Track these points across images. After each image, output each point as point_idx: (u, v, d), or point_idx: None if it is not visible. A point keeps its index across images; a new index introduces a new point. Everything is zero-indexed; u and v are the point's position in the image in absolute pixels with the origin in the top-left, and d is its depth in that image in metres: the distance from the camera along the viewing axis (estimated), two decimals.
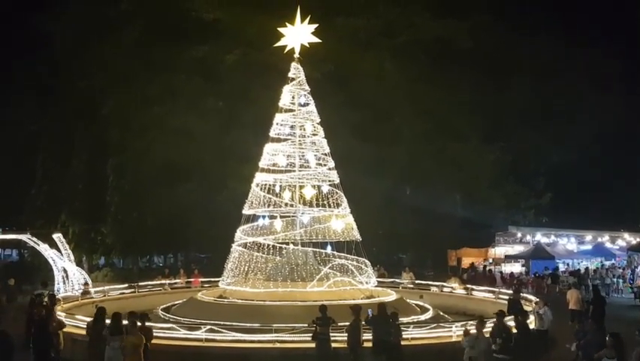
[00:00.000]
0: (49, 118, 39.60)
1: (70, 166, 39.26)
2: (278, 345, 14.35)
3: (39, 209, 39.98)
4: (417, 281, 26.87)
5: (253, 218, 21.48)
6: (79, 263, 32.87)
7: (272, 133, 21.90)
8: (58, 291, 24.96)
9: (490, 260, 39.83)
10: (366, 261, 21.04)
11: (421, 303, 21.70)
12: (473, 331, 13.04)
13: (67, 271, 29.16)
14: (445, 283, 25.98)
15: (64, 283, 28.68)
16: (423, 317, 18.81)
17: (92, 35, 37.18)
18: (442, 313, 20.22)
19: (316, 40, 22.43)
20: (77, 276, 29.11)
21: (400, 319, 14.53)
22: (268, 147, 21.74)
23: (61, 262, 29.67)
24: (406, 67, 38.01)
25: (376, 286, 21.21)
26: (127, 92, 36.70)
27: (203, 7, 36.39)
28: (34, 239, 30.96)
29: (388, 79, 38.33)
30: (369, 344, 13.49)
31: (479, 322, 12.99)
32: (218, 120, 36.24)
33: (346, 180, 22.50)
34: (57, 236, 31.02)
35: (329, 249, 21.14)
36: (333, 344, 13.60)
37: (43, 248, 30.22)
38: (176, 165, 35.59)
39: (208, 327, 14.84)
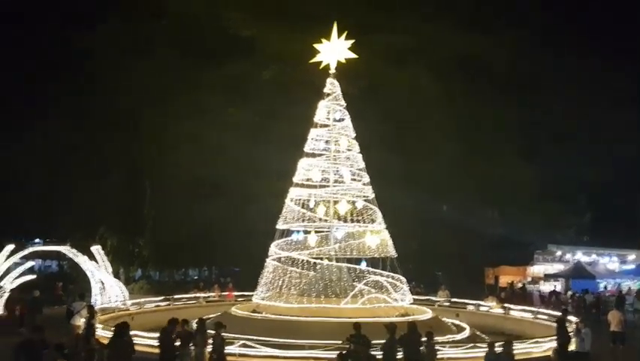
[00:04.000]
0: (88, 133, 40.53)
1: (108, 180, 40.04)
2: None
3: (78, 222, 40.83)
4: (453, 299, 26.38)
5: (287, 233, 21.48)
6: (116, 275, 33.38)
7: (306, 148, 21.94)
8: (95, 303, 25.30)
9: (529, 279, 38.91)
10: (402, 278, 20.76)
11: (457, 322, 21.26)
12: (498, 349, 12.71)
13: (104, 283, 29.63)
14: (481, 302, 25.43)
15: (101, 294, 29.14)
16: (459, 337, 18.41)
17: (129, 53, 38.07)
18: (478, 333, 19.76)
19: (352, 55, 22.48)
20: (114, 288, 29.55)
21: (435, 338, 14.22)
22: (303, 162, 21.77)
23: (99, 273, 30.18)
24: (441, 83, 37.79)
25: (411, 304, 20.89)
26: (163, 108, 37.40)
27: (239, 25, 36.93)
28: (74, 251, 31.61)
29: (423, 95, 38.15)
30: None
31: (507, 343, 12.65)
32: (252, 136, 36.58)
33: (381, 195, 22.32)
34: (95, 248, 31.60)
35: (363, 265, 20.94)
36: None
37: (82, 260, 30.81)
38: (211, 181, 35.99)
39: (242, 342, 14.80)
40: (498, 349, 12.75)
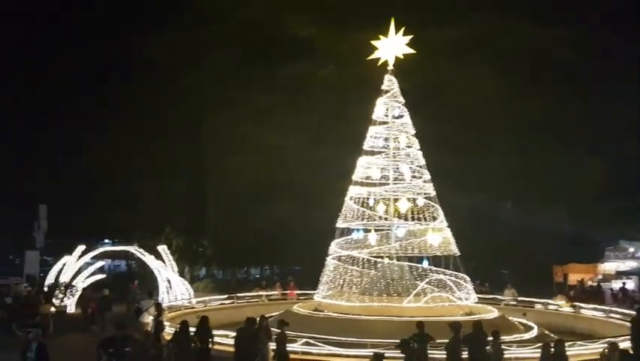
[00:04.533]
0: (153, 138, 41.79)
1: (173, 183, 41.19)
2: None
3: (145, 223, 42.20)
4: (520, 298, 25.61)
5: (347, 231, 21.42)
6: (181, 274, 34.26)
7: (365, 146, 21.82)
8: (162, 300, 26.02)
9: (600, 276, 37.30)
10: (465, 276, 20.33)
11: (525, 321, 20.62)
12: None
13: (170, 282, 30.46)
14: (550, 301, 24.59)
15: (167, 293, 29.98)
16: (527, 336, 17.84)
17: (192, 58, 39.02)
18: (547, 332, 19.09)
19: (410, 51, 22.19)
20: (180, 286, 30.33)
21: (502, 337, 13.81)
22: (362, 160, 21.66)
23: (166, 272, 31.06)
24: (502, 77, 36.76)
25: (476, 303, 20.41)
26: (225, 111, 38.09)
27: (296, 25, 37.19)
28: (141, 251, 32.69)
29: (484, 89, 37.23)
30: None
31: (559, 342, 12.12)
32: (312, 136, 36.75)
33: (443, 193, 21.92)
34: (162, 248, 32.55)
35: (425, 263, 20.61)
36: None
37: (149, 259, 31.80)
38: (272, 181, 36.39)
39: (304, 340, 14.85)
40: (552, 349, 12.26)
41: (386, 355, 13.78)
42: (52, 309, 23.77)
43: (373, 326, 16.97)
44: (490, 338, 13.15)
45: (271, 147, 35.97)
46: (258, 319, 14.03)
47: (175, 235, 40.53)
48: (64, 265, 32.41)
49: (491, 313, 19.60)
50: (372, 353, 10.66)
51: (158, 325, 16.27)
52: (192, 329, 13.75)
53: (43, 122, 47.10)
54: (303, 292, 26.86)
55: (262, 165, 35.84)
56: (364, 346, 14.26)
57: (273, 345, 13.85)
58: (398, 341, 13.78)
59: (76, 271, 32.37)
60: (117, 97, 42.21)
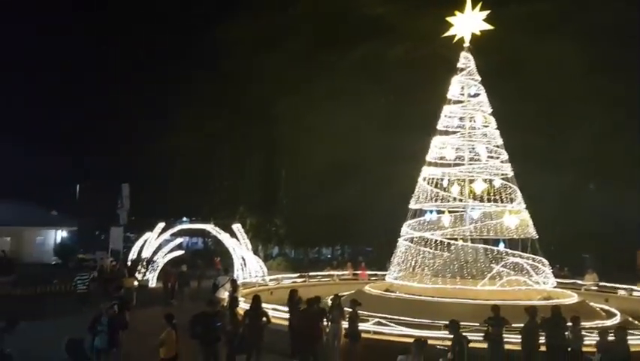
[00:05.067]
0: (227, 121, 42.74)
1: (247, 164, 42.07)
2: (447, 343, 13.90)
3: (221, 202, 43.47)
4: (601, 283, 24.54)
5: (420, 213, 21.14)
6: (255, 252, 35.10)
7: (439, 126, 21.37)
8: (237, 277, 26.74)
9: None
10: (544, 260, 19.65)
11: (607, 307, 19.76)
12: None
13: (245, 259, 31.25)
14: (634, 287, 23.41)
15: (242, 270, 30.79)
16: (609, 323, 17.06)
17: (264, 42, 39.39)
18: (631, 319, 18.20)
19: (488, 27, 21.43)
20: (254, 264, 31.07)
21: (582, 323, 13.28)
22: (436, 140, 21.24)
23: (240, 250, 31.88)
24: (585, 53, 34.84)
25: (555, 288, 19.73)
26: (295, 93, 38.31)
27: (367, 4, 36.71)
28: (217, 229, 33.71)
29: (566, 66, 35.45)
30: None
31: (619, 329, 11.38)
32: (385, 116, 36.39)
33: (521, 174, 21.19)
34: (236, 227, 33.42)
35: (501, 246, 20.07)
36: (507, 346, 12.86)
37: (225, 237, 32.74)
38: (344, 162, 36.38)
39: (376, 319, 14.86)
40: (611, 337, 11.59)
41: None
42: (135, 283, 24.96)
43: (446, 308, 16.70)
44: (570, 324, 12.69)
45: (343, 127, 35.88)
46: (323, 299, 14.17)
47: (249, 214, 41.55)
48: (145, 241, 33.94)
49: (571, 298, 18.90)
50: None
51: (233, 301, 16.72)
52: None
53: (127, 103, 49.12)
54: (374, 272, 26.85)
55: (334, 146, 35.84)
56: (438, 328, 14.09)
57: (345, 324, 13.96)
58: (472, 323, 13.60)
59: (156, 247, 33.82)
60: (194, 80, 43.37)
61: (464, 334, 11.47)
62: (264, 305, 15.66)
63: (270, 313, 16.43)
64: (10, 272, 27.75)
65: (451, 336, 11.58)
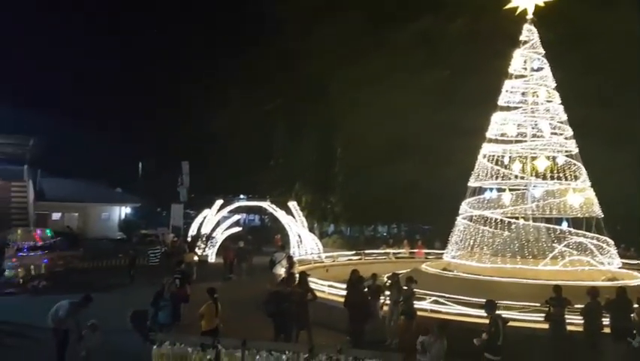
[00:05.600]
0: (283, 97, 42.88)
1: (302, 141, 42.19)
2: (507, 323, 13.62)
3: (277, 179, 43.92)
4: None
5: (479, 191, 20.68)
6: (311, 229, 35.35)
7: (500, 101, 20.72)
8: (293, 254, 27.05)
9: None
10: (609, 240, 18.92)
11: None
12: None
13: (301, 236, 31.55)
14: None
15: (298, 247, 31.12)
16: None
17: (318, 18, 39.04)
18: None
19: None
20: (310, 241, 31.32)
21: None
22: (496, 116, 20.63)
23: (296, 227, 32.18)
24: None
25: (620, 268, 18.97)
26: (352, 69, 37.93)
27: None
28: (273, 206, 34.14)
29: (634, 37, 33.56)
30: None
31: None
32: (443, 93, 35.59)
33: (586, 151, 20.34)
34: (292, 204, 33.75)
35: (564, 225, 19.43)
36: (569, 327, 12.48)
37: (281, 214, 33.13)
38: (399, 139, 35.92)
39: (433, 298, 14.70)
40: None
41: (520, 318, 13.41)
42: (195, 258, 25.63)
43: (506, 288, 16.37)
44: (636, 306, 12.18)
45: (400, 103, 35.34)
46: (379, 276, 14.11)
47: (305, 192, 41.81)
48: (204, 218, 34.76)
49: (637, 279, 18.13)
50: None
51: (290, 277, 16.90)
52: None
53: (187, 81, 50.00)
54: (430, 251, 26.58)
55: (391, 122, 35.39)
56: (497, 308, 13.79)
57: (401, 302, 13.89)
58: (532, 304, 13.25)
59: (215, 223, 34.59)
60: (251, 57, 43.60)
61: (501, 314, 11.13)
62: (319, 282, 15.84)
63: (326, 290, 16.65)
64: (77, 247, 28.98)
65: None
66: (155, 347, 7.86)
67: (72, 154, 50.56)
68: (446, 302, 14.66)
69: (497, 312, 10.91)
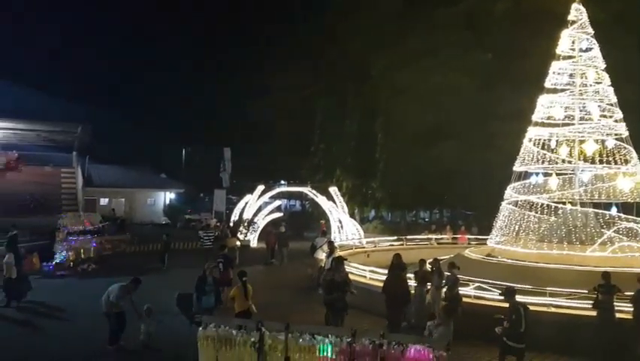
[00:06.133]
0: (324, 82, 42.75)
1: (343, 126, 42.04)
2: (552, 310, 13.35)
3: (317, 165, 43.97)
4: None
5: (525, 175, 20.21)
6: (351, 215, 35.33)
7: (547, 83, 20.13)
8: (334, 239, 27.10)
9: None
10: None
11: None
12: None
13: (341, 222, 31.55)
14: None
15: (339, 232, 31.14)
16: None
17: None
18: None
19: None
20: (350, 226, 31.30)
21: None
22: (543, 99, 20.07)
23: (337, 213, 32.19)
24: None
25: None
26: (394, 52, 37.46)
27: None
28: (314, 192, 34.22)
29: None
30: None
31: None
32: (484, 75, 34.82)
33: (637, 135, 19.62)
34: (333, 189, 33.76)
35: (614, 210, 18.83)
36: (617, 315, 12.15)
37: (321, 200, 33.19)
38: (441, 123, 35.39)
39: (477, 284, 14.51)
40: None
41: (566, 305, 13.11)
42: (238, 243, 25.96)
43: (552, 275, 16.02)
44: None
45: (442, 85, 34.75)
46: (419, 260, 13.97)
47: (345, 177, 41.74)
48: (246, 203, 35.14)
49: None
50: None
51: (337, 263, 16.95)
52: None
53: (229, 68, 50.42)
54: (474, 236, 26.22)
55: (433, 105, 34.86)
56: (543, 294, 13.54)
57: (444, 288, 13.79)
58: (579, 291, 12.94)
59: (256, 209, 34.93)
60: (289, 43, 43.60)
61: (523, 301, 10.88)
62: (361, 267, 15.82)
63: (367, 275, 16.64)
64: (124, 231, 29.74)
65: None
66: (200, 329, 8.01)
67: (118, 141, 51.82)
68: (490, 288, 14.44)
69: (518, 299, 10.68)
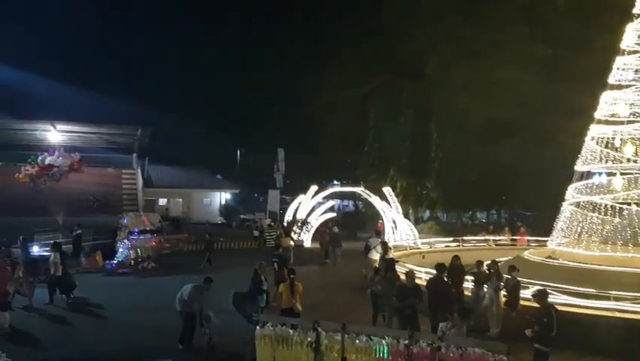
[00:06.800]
0: (378, 81, 42.44)
1: (397, 125, 41.64)
2: (617, 314, 12.83)
3: (371, 165, 43.73)
4: None
5: (587, 175, 19.50)
6: (406, 215, 34.95)
7: (611, 79, 19.33)
8: (388, 240, 26.91)
9: None
10: None
11: None
12: None
13: (395, 222, 31.29)
14: None
15: (393, 233, 30.91)
16: None
17: None
18: None
19: None
20: (405, 227, 31.00)
21: None
22: (606, 96, 19.29)
23: (391, 213, 31.96)
24: None
25: None
26: (450, 49, 36.80)
27: None
28: (367, 192, 34.08)
29: None
30: None
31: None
32: (545, 71, 33.74)
33: None
34: (387, 189, 33.51)
35: None
36: None
37: (375, 200, 33.01)
38: (499, 121, 34.51)
39: (537, 287, 14.08)
40: None
41: (633, 309, 12.59)
42: (292, 243, 26.16)
43: (616, 278, 15.39)
44: None
45: (499, 83, 33.87)
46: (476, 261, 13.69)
47: (399, 177, 41.33)
48: (299, 203, 35.36)
49: None
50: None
51: (384, 262, 16.87)
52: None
53: (282, 68, 50.80)
54: (533, 238, 25.51)
55: (490, 103, 33.99)
56: (607, 298, 13.04)
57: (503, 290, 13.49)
58: None
59: (310, 209, 35.10)
60: (343, 42, 43.51)
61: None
62: (416, 268, 15.62)
63: (423, 276, 16.41)
64: (182, 231, 30.42)
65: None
66: (257, 328, 8.10)
67: (175, 142, 53.11)
68: (552, 292, 14.00)
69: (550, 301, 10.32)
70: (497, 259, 15.25)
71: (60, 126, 35.90)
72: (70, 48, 63.03)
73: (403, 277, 13.85)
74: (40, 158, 33.90)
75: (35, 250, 20.70)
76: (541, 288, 10.82)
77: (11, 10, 55.77)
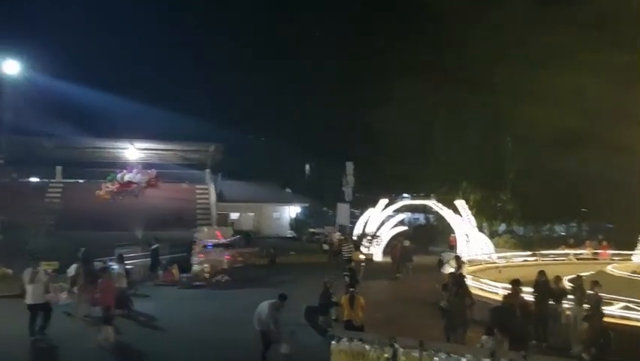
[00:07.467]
0: (446, 91, 41.73)
1: (465, 136, 40.73)
2: None
3: (442, 177, 42.91)
4: None
5: None
6: (479, 229, 34.04)
7: None
8: (461, 254, 26.28)
9: None
10: None
11: None
12: None
13: (469, 236, 30.55)
14: None
15: (467, 246, 30.17)
16: None
17: (479, 6, 37.42)
18: None
19: None
20: (479, 241, 30.21)
21: None
22: None
23: (464, 226, 31.23)
24: None
25: None
26: (518, 58, 35.85)
27: None
28: (439, 205, 33.47)
29: None
30: None
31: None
32: (623, 78, 32.15)
33: None
34: (459, 202, 32.77)
35: None
36: None
37: (447, 213, 32.37)
38: (574, 130, 33.16)
39: (623, 304, 13.34)
40: None
41: None
42: (362, 256, 26.01)
43: None
44: None
45: (576, 91, 32.57)
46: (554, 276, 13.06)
47: (472, 190, 40.35)
48: (369, 217, 35.17)
49: None
50: None
51: (458, 277, 16.41)
52: None
53: (349, 81, 51.05)
54: (617, 252, 24.23)
55: (566, 112, 32.71)
56: None
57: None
58: None
59: (380, 222, 34.84)
60: (410, 51, 43.15)
61: None
62: (493, 283, 15.13)
63: (499, 292, 15.87)
64: (254, 244, 30.88)
65: None
66: (333, 342, 8.04)
67: (246, 157, 54.24)
68: (638, 308, 13.22)
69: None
70: (580, 274, 14.53)
71: (138, 144, 37.43)
72: (143, 65, 65.97)
73: (477, 292, 13.43)
74: (119, 175, 35.45)
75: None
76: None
77: (86, 31, 58.84)
